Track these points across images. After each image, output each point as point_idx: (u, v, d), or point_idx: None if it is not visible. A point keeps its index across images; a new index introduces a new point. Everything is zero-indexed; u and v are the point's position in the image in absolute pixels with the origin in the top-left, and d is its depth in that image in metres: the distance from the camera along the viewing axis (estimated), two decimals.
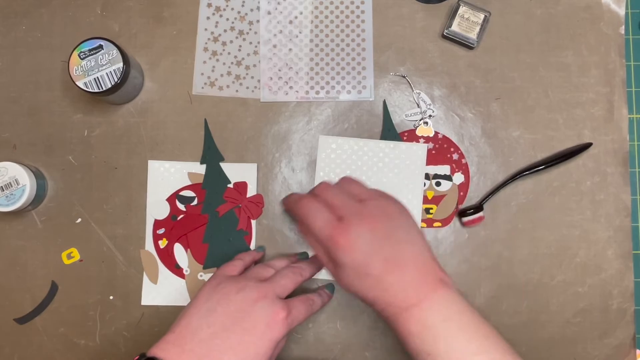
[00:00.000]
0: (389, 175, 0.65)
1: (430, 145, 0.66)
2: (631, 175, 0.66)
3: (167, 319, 0.64)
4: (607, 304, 0.64)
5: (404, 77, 0.67)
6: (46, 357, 0.64)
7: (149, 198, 0.65)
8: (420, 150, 0.65)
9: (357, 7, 0.68)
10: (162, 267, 0.64)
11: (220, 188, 0.65)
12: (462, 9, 0.66)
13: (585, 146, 0.65)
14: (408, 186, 0.65)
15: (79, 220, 0.65)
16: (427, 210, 0.65)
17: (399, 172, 0.65)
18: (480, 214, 0.64)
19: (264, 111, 0.66)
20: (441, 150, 0.66)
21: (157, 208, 0.65)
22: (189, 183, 0.65)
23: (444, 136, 0.66)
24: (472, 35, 0.66)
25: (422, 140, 0.66)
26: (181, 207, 0.65)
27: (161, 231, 0.65)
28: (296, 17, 0.68)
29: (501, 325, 0.64)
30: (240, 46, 0.67)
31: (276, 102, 0.67)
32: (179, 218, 0.65)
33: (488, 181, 0.66)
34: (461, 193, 0.66)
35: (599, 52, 0.67)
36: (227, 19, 0.68)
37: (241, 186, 0.65)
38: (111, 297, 0.64)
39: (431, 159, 0.66)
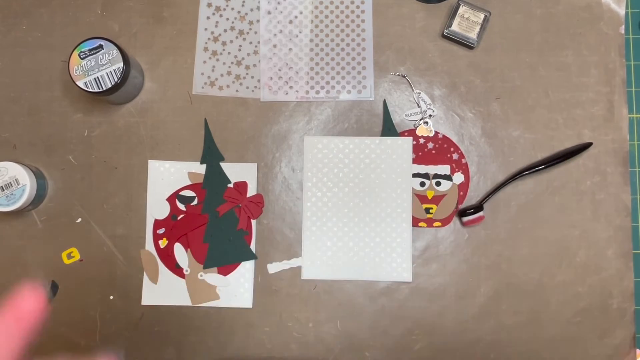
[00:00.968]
0: (376, 171, 0.65)
1: (431, 145, 0.66)
2: (631, 175, 0.66)
3: (167, 318, 0.64)
4: (607, 304, 0.64)
5: (404, 76, 0.67)
6: (46, 357, 0.63)
7: (149, 198, 0.65)
8: (405, 143, 0.65)
9: (357, 7, 0.68)
10: (162, 267, 0.64)
11: (221, 188, 0.65)
12: (462, 9, 0.66)
13: (585, 146, 0.65)
14: (396, 181, 0.65)
15: (79, 220, 0.65)
16: (427, 210, 0.65)
17: (387, 167, 0.65)
18: (480, 213, 0.64)
19: (264, 111, 0.66)
20: (441, 150, 0.66)
21: (157, 208, 0.65)
22: (189, 183, 0.65)
23: (444, 136, 0.66)
24: (472, 35, 0.66)
25: (422, 140, 0.66)
26: (181, 206, 0.65)
27: (161, 231, 0.65)
28: (296, 17, 0.68)
29: (501, 325, 0.64)
30: (240, 46, 0.67)
31: (276, 101, 0.67)
32: (179, 218, 0.65)
33: (488, 181, 0.66)
34: (461, 193, 0.66)
35: (599, 52, 0.67)
36: (227, 19, 0.68)
37: (241, 186, 0.65)
38: (111, 297, 0.64)
39: (431, 159, 0.66)
